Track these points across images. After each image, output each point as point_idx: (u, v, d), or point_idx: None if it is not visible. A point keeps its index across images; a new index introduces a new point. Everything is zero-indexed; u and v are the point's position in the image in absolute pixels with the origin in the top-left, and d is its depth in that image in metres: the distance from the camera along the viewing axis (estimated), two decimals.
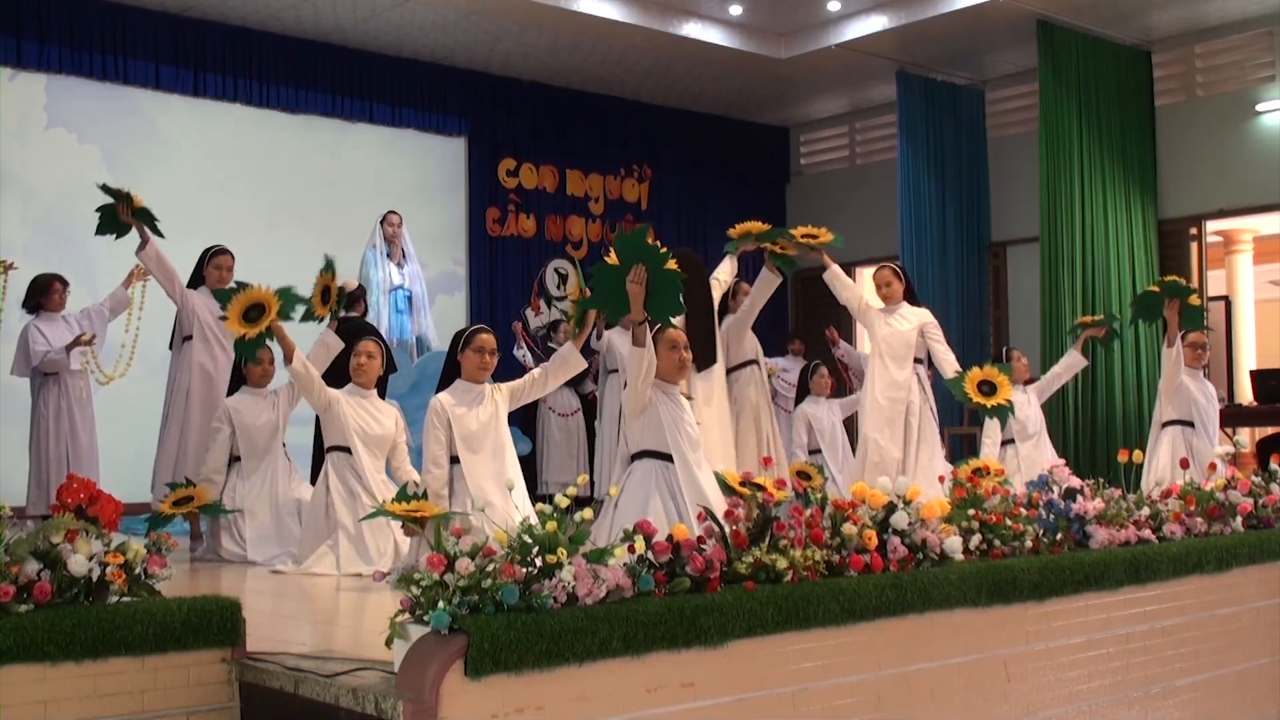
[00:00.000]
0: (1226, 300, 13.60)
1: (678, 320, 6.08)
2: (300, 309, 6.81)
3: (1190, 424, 8.19)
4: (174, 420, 7.94)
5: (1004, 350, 8.94)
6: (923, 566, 4.31)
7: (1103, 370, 11.68)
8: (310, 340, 7.26)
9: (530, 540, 3.46)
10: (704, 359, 7.00)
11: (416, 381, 9.42)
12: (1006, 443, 8.64)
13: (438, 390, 6.26)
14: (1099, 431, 11.66)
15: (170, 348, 8.24)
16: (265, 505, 7.23)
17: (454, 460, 6.12)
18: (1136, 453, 7.08)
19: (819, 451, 9.03)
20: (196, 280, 8.12)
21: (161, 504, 7.21)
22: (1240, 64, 12.03)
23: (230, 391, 7.50)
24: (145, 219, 7.85)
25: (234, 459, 7.37)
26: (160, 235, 7.95)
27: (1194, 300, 8.28)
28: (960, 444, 12.29)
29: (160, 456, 8.01)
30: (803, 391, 9.36)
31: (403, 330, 10.23)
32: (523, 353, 11.24)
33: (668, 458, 5.47)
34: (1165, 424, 8.29)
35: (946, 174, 13.02)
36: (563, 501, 3.59)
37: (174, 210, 10.96)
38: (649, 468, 5.46)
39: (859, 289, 8.30)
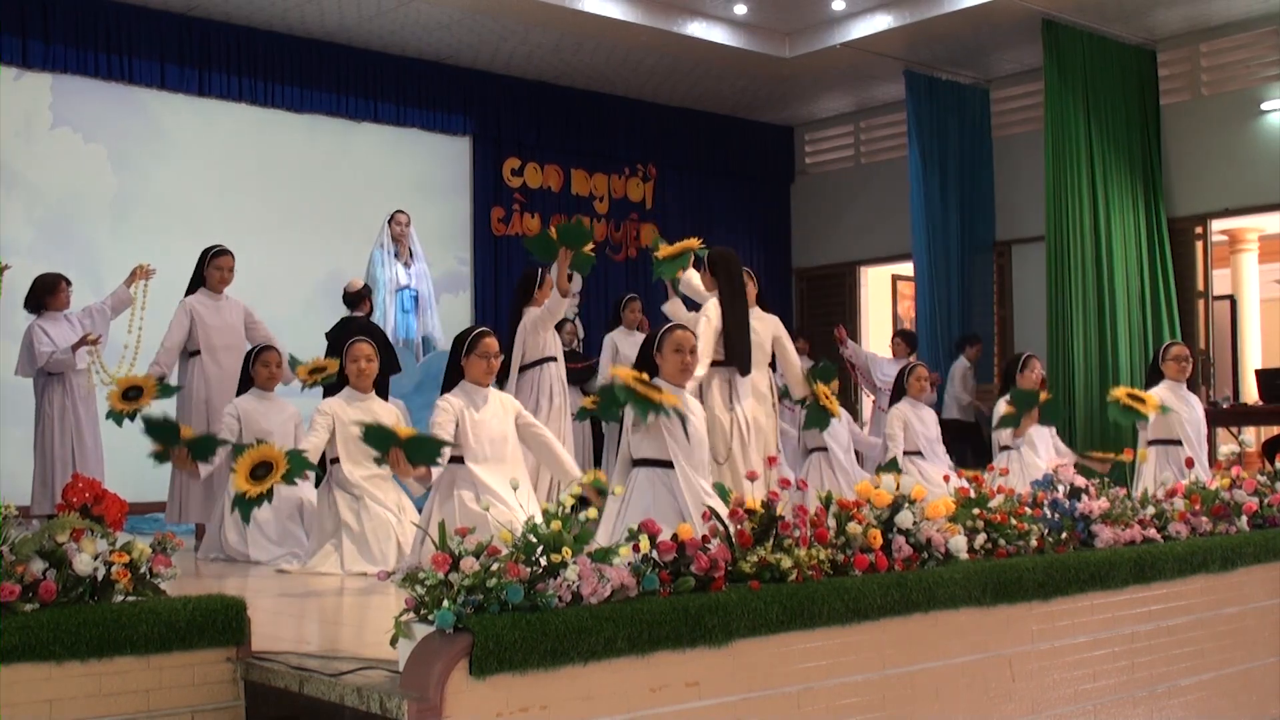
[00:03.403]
0: (1231, 299, 13.59)
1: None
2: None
3: (1177, 442, 8.05)
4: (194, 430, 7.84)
5: (1021, 357, 8.87)
6: (927, 566, 4.30)
7: (1109, 371, 11.66)
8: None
9: (535, 539, 3.47)
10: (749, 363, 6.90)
11: (421, 381, 9.42)
12: (1006, 449, 8.63)
13: (442, 394, 6.25)
14: (1103, 431, 11.64)
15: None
16: (270, 505, 7.21)
17: (458, 460, 6.11)
18: (1142, 451, 7.07)
19: (824, 450, 9.00)
20: (197, 281, 8.09)
21: (235, 476, 6.20)
22: (1245, 63, 12.01)
23: (240, 393, 7.47)
24: (201, 451, 7.02)
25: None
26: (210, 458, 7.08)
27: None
28: (964, 444, 12.27)
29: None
30: None
31: (409, 330, 10.23)
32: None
33: (668, 464, 5.45)
34: (1150, 443, 8.20)
35: (951, 173, 13.01)
36: (569, 501, 3.59)
37: (179, 210, 11.06)
38: (650, 476, 5.45)
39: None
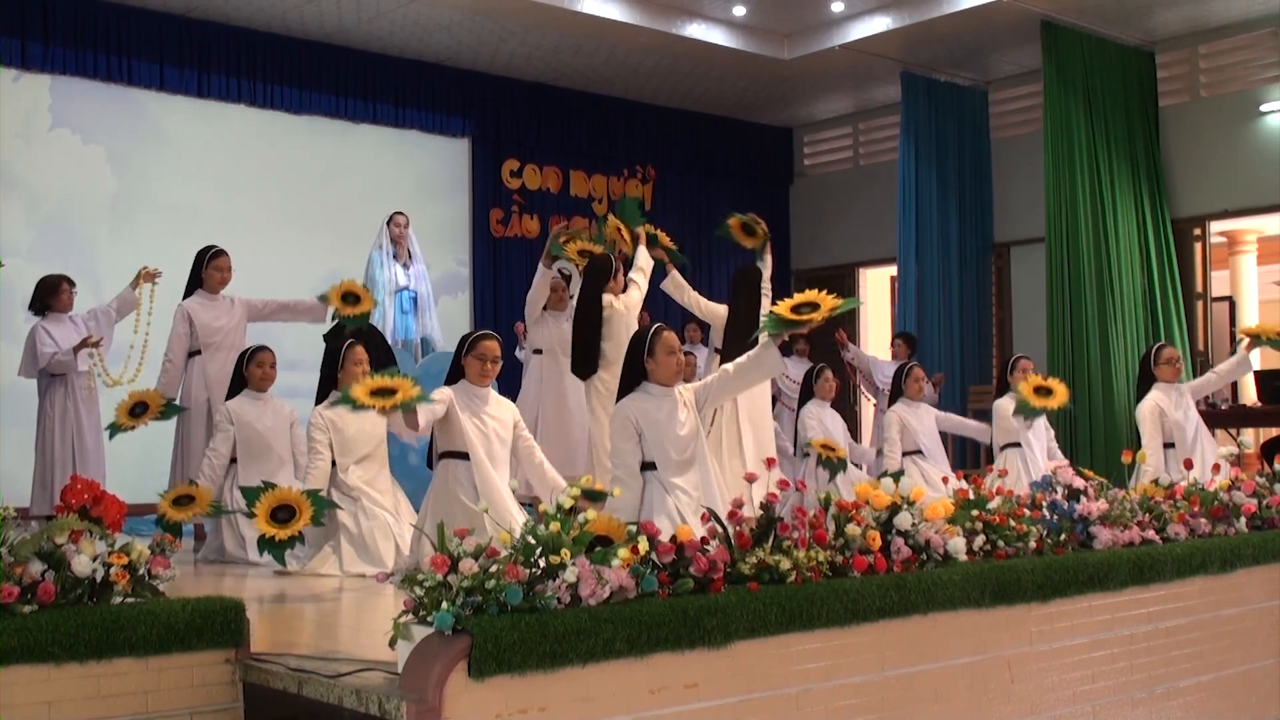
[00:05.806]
0: (1230, 301, 13.58)
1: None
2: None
3: (1171, 445, 7.99)
4: (193, 433, 7.83)
5: (1012, 359, 8.90)
6: (926, 567, 4.30)
7: (1110, 373, 11.65)
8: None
9: (534, 541, 3.47)
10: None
11: (419, 381, 9.39)
12: (1010, 446, 8.64)
13: None
14: (1104, 432, 11.64)
15: None
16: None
17: (452, 455, 6.11)
18: (1141, 453, 7.05)
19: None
20: (195, 282, 8.08)
21: (161, 505, 6.98)
22: (1244, 64, 12.02)
23: (231, 394, 7.46)
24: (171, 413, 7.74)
25: (231, 460, 7.36)
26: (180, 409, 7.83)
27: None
28: (963, 445, 12.28)
29: (184, 470, 7.89)
30: (806, 394, 9.35)
31: (407, 331, 10.21)
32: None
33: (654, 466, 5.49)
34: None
35: (950, 175, 13.01)
36: (567, 501, 3.60)
37: (178, 212, 11.06)
38: (648, 478, 5.48)
39: (693, 294, 8.17)
